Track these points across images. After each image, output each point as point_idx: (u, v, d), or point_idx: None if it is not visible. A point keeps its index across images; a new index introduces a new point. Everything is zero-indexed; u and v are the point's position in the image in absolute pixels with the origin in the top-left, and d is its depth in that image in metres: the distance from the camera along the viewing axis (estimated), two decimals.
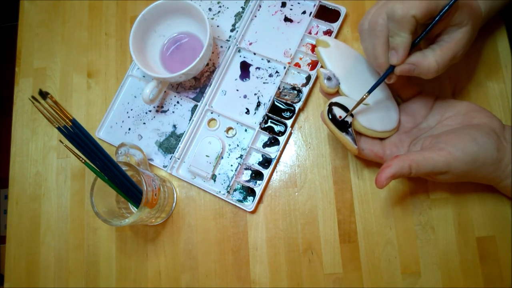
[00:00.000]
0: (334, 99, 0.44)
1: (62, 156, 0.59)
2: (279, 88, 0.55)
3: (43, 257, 0.56)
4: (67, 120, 0.45)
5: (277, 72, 0.56)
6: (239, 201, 0.53)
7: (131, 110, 0.59)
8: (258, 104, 0.56)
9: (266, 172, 0.53)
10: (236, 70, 0.57)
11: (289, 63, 0.55)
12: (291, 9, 0.58)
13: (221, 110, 0.56)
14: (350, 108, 0.43)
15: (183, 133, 0.56)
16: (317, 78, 0.54)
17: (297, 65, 0.56)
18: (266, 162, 0.53)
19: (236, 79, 0.57)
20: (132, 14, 0.62)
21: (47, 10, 0.65)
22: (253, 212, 0.52)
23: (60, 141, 0.48)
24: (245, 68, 0.57)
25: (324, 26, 0.56)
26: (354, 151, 0.44)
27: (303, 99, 0.54)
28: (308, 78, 0.55)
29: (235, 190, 0.53)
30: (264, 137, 0.54)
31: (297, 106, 0.54)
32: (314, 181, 0.52)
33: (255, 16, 0.58)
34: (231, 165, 0.54)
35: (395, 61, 0.40)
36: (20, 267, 0.56)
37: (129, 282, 0.53)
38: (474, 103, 0.45)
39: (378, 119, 0.46)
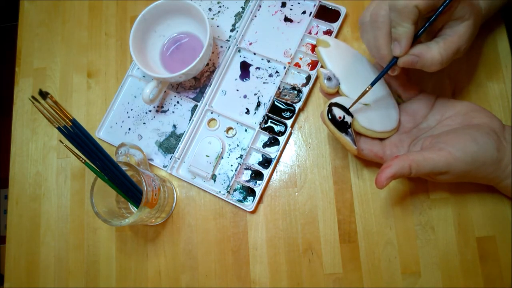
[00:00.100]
0: (334, 100, 0.44)
1: (62, 156, 0.59)
2: (279, 88, 0.55)
3: (43, 257, 0.56)
4: (67, 120, 0.45)
5: (277, 72, 0.56)
6: (239, 201, 0.53)
7: (131, 110, 0.59)
8: (258, 104, 0.56)
9: (266, 172, 0.53)
10: (236, 70, 0.57)
11: (289, 63, 0.55)
12: (291, 9, 0.58)
13: (221, 110, 0.56)
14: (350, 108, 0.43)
15: (183, 133, 0.56)
16: (317, 78, 0.54)
17: (297, 65, 0.56)
18: (266, 162, 0.53)
19: (236, 79, 0.57)
20: (132, 14, 0.62)
21: (47, 10, 0.65)
22: (253, 212, 0.52)
23: (60, 141, 0.48)
24: (245, 68, 0.57)
25: (324, 26, 0.56)
26: (354, 151, 0.44)
27: (303, 99, 0.54)
28: (308, 78, 0.55)
29: (235, 190, 0.53)
30: (264, 137, 0.54)
31: (297, 106, 0.54)
32: (314, 181, 0.52)
33: (255, 16, 0.58)
34: (231, 165, 0.54)
35: (398, 52, 0.39)
36: (20, 267, 0.56)
37: (129, 282, 0.53)
38: (474, 103, 0.45)
39: (378, 119, 0.46)
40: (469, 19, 0.39)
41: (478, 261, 0.47)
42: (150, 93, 0.53)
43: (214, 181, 0.54)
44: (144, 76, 0.59)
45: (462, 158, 0.39)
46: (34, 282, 0.56)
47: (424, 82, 0.51)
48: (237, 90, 0.56)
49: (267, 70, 0.56)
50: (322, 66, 0.46)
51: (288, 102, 0.54)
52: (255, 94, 0.56)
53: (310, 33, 0.56)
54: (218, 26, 0.59)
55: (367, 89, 0.42)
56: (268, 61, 0.56)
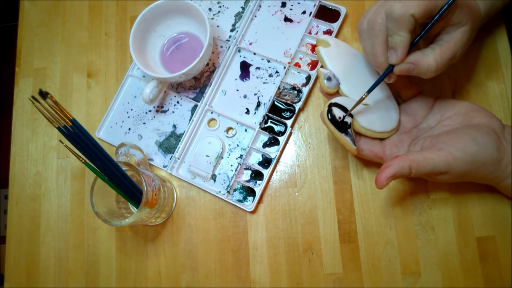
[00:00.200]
0: (334, 100, 0.44)
1: (62, 156, 0.59)
2: (279, 88, 0.55)
3: (43, 257, 0.56)
4: (67, 120, 0.45)
5: (277, 72, 0.56)
6: (239, 201, 0.53)
7: (131, 110, 0.59)
8: (258, 104, 0.56)
9: (266, 172, 0.53)
10: (236, 70, 0.57)
11: (289, 63, 0.55)
12: (291, 9, 0.58)
13: (221, 110, 0.56)
14: (349, 108, 0.43)
15: (183, 133, 0.56)
16: (317, 78, 0.54)
17: (297, 65, 0.56)
18: (266, 162, 0.53)
19: (236, 79, 0.57)
20: (132, 14, 0.62)
21: (47, 10, 0.65)
22: (253, 212, 0.52)
23: (60, 141, 0.48)
24: (245, 68, 0.57)
25: (324, 26, 0.56)
26: (354, 151, 0.44)
27: (303, 99, 0.54)
28: (308, 78, 0.55)
29: (235, 190, 0.53)
30: (264, 137, 0.54)
31: (297, 106, 0.54)
32: (314, 181, 0.52)
33: (255, 16, 0.58)
34: (231, 165, 0.54)
35: (394, 61, 0.40)
36: (20, 267, 0.56)
37: (129, 282, 0.53)
38: (474, 103, 0.45)
39: (378, 119, 0.46)
40: (466, 24, 0.39)
41: (478, 261, 0.47)
42: (150, 93, 0.53)
43: (214, 181, 0.54)
44: (144, 76, 0.59)
45: (462, 158, 0.39)
46: (34, 282, 0.56)
47: (424, 82, 0.51)
48: (237, 90, 0.56)
49: (267, 70, 0.56)
50: (322, 66, 0.46)
51: (288, 102, 0.54)
52: (255, 94, 0.56)
53: (310, 33, 0.56)
54: (218, 26, 0.59)
55: (364, 96, 0.42)
56: (268, 61, 0.56)
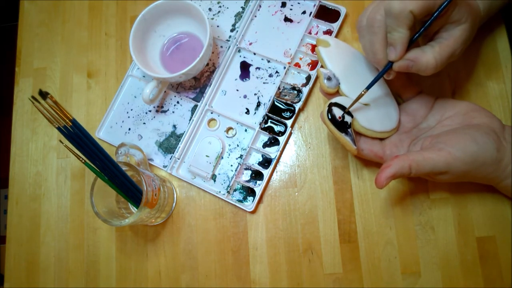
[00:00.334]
0: (334, 100, 0.44)
1: (62, 156, 0.59)
2: (279, 88, 0.55)
3: (43, 257, 0.56)
4: (67, 120, 0.45)
5: (277, 72, 0.56)
6: (239, 201, 0.53)
7: (131, 110, 0.59)
8: (258, 104, 0.56)
9: (266, 172, 0.53)
10: (236, 70, 0.57)
11: (289, 63, 0.55)
12: (291, 9, 0.58)
13: (221, 110, 0.56)
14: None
15: (183, 133, 0.56)
16: (317, 78, 0.54)
17: (297, 65, 0.56)
18: (266, 162, 0.53)
19: (236, 79, 0.57)
20: (132, 14, 0.62)
21: (47, 10, 0.65)
22: (253, 212, 0.52)
23: (60, 141, 0.48)
24: (245, 68, 0.57)
25: (324, 26, 0.56)
26: (353, 151, 0.44)
27: (303, 99, 0.54)
28: (308, 78, 0.55)
29: (235, 190, 0.53)
30: (264, 137, 0.54)
31: (297, 106, 0.54)
32: (314, 181, 0.52)
33: (255, 16, 0.58)
34: (231, 165, 0.54)
35: (393, 57, 0.40)
36: (20, 267, 0.56)
37: (129, 282, 0.53)
38: (474, 103, 0.45)
39: (378, 119, 0.46)
40: (466, 22, 0.39)
41: (478, 261, 0.47)
42: (150, 93, 0.53)
43: (214, 181, 0.54)
44: (144, 76, 0.59)
45: (461, 158, 0.39)
46: (34, 282, 0.56)
47: (424, 82, 0.51)
48: (237, 90, 0.56)
49: (267, 70, 0.56)
50: (322, 66, 0.46)
51: (288, 102, 0.54)
52: (255, 94, 0.56)
53: (310, 33, 0.56)
54: (218, 26, 0.59)
55: (363, 93, 0.42)
56: (268, 61, 0.56)
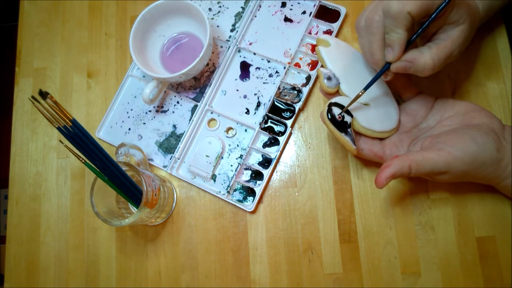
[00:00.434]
0: (334, 99, 0.44)
1: (62, 156, 0.59)
2: (279, 88, 0.55)
3: (43, 257, 0.56)
4: (67, 120, 0.45)
5: (277, 72, 0.56)
6: (239, 201, 0.53)
7: (131, 110, 0.59)
8: (258, 104, 0.56)
9: (266, 172, 0.53)
10: (236, 70, 0.57)
11: (289, 63, 0.55)
12: (291, 9, 0.58)
13: (221, 110, 0.56)
14: (349, 108, 0.43)
15: (183, 133, 0.56)
16: (317, 78, 0.54)
17: (297, 65, 0.56)
18: (266, 162, 0.54)
19: (236, 79, 0.57)
20: (132, 14, 0.62)
21: (47, 10, 0.65)
22: (253, 212, 0.52)
23: (60, 141, 0.48)
24: (245, 68, 0.57)
25: (324, 26, 0.56)
26: (353, 151, 0.44)
27: (303, 99, 0.54)
28: (308, 78, 0.55)
29: (235, 190, 0.53)
30: (264, 137, 0.54)
31: (297, 106, 0.54)
32: (314, 181, 0.52)
33: (255, 16, 0.58)
34: (231, 165, 0.54)
35: (391, 58, 0.40)
36: (20, 267, 0.56)
37: (129, 282, 0.53)
38: (474, 103, 0.45)
39: (378, 119, 0.46)
40: (464, 23, 0.39)
41: (478, 261, 0.47)
42: (150, 93, 0.53)
43: (214, 181, 0.54)
44: (144, 76, 0.59)
45: (461, 158, 0.39)
46: (34, 282, 0.56)
47: (424, 82, 0.51)
48: (237, 90, 0.56)
49: (267, 70, 0.56)
50: (322, 66, 0.46)
51: (288, 102, 0.54)
52: (255, 94, 0.56)
53: (310, 33, 0.56)
54: (218, 26, 0.59)
55: (360, 93, 0.42)
56: (268, 61, 0.56)
